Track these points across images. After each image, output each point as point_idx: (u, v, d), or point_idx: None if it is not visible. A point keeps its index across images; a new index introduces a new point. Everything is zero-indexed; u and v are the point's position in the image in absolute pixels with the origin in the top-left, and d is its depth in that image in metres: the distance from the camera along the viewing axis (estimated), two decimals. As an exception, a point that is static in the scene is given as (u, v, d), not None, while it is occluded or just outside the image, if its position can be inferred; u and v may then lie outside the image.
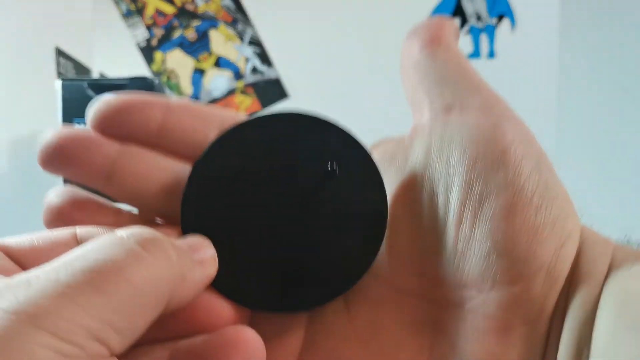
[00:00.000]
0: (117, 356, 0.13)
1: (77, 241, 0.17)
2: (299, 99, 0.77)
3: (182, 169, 0.18)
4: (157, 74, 0.77)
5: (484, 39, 0.76)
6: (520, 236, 0.16)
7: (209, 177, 0.18)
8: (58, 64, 0.50)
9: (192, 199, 0.17)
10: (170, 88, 0.78)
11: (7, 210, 0.55)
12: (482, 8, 0.76)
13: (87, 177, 0.17)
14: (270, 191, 0.18)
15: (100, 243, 0.14)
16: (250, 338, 0.16)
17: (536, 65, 0.76)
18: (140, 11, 0.77)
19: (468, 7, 0.76)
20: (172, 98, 0.50)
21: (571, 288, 0.16)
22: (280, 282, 0.17)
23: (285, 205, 0.18)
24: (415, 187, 0.18)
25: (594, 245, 0.17)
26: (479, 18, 0.76)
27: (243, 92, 0.78)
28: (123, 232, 0.15)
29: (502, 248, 0.16)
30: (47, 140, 0.17)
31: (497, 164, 0.16)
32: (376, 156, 0.18)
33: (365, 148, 0.18)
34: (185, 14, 0.77)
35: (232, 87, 0.78)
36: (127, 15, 0.77)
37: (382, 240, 0.18)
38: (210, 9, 0.77)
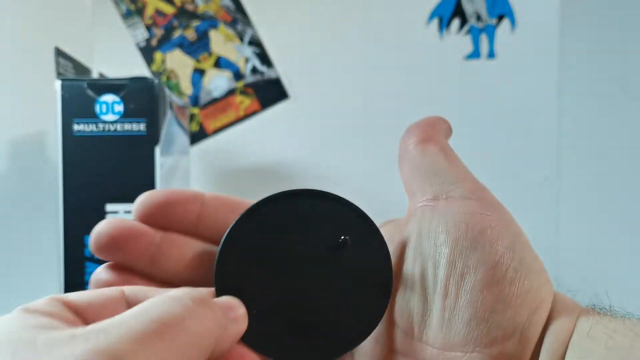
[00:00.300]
0: None
1: (125, 299, 0.20)
2: (299, 99, 0.77)
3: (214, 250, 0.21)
4: (157, 74, 0.77)
5: (484, 39, 0.76)
6: (497, 305, 0.19)
7: (237, 247, 0.21)
8: (58, 64, 0.50)
9: (224, 265, 0.21)
10: (170, 88, 0.78)
11: (7, 210, 0.55)
12: (482, 8, 0.76)
13: (135, 261, 0.21)
14: (290, 259, 0.21)
15: (161, 300, 0.18)
16: None
17: (536, 65, 0.76)
18: (139, 11, 0.77)
19: (468, 7, 0.76)
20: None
21: (543, 348, 0.19)
22: (299, 337, 0.21)
23: (303, 271, 0.21)
24: (408, 262, 0.21)
25: (563, 311, 0.20)
26: (479, 18, 0.76)
27: (243, 92, 0.78)
28: (178, 292, 0.18)
29: (481, 316, 0.19)
30: (99, 229, 0.21)
31: (475, 244, 0.20)
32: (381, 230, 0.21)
33: (373, 223, 0.22)
34: (185, 14, 0.77)
35: (232, 87, 0.78)
36: (126, 15, 0.77)
37: (388, 302, 0.21)
38: (210, 9, 0.77)
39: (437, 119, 0.25)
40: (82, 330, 0.16)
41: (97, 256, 0.22)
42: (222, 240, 0.21)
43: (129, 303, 0.20)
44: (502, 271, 0.19)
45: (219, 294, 0.20)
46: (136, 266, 0.21)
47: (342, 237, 0.21)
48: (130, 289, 0.20)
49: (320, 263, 0.21)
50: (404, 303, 0.21)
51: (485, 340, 0.19)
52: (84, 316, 0.18)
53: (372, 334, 0.21)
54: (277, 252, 0.21)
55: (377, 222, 0.23)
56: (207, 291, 0.20)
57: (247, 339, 0.20)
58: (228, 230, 0.21)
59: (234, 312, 0.20)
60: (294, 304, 0.21)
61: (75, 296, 0.19)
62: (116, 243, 0.21)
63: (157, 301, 0.18)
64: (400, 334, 0.21)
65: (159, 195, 0.22)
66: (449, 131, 0.25)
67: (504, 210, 0.22)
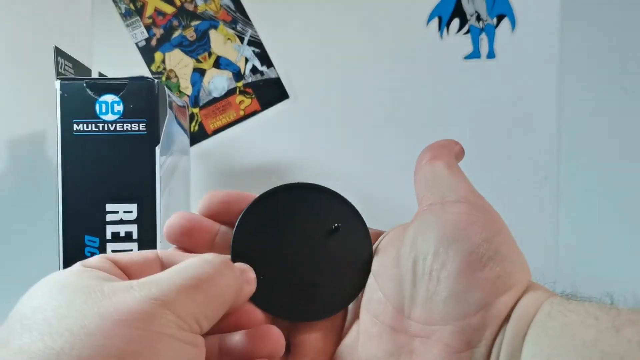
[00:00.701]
0: (202, 335, 0.22)
1: (160, 260, 0.25)
2: (299, 99, 0.77)
3: None
4: (157, 74, 0.77)
5: (483, 39, 0.76)
6: (469, 287, 0.23)
7: (249, 227, 0.26)
8: (57, 64, 0.50)
9: (238, 241, 0.26)
10: (170, 88, 0.78)
11: (7, 210, 0.55)
12: (482, 8, 0.76)
13: (198, 246, 0.27)
14: (292, 238, 0.26)
15: (197, 261, 0.23)
16: (275, 332, 0.25)
17: (536, 65, 0.76)
18: (139, 11, 0.77)
19: (468, 7, 0.76)
20: (174, 98, 0.49)
21: (507, 326, 0.22)
22: (297, 300, 0.26)
23: (302, 249, 0.26)
24: (405, 255, 0.25)
25: (533, 295, 0.23)
26: (479, 18, 0.76)
27: (243, 92, 0.78)
28: (209, 256, 0.24)
29: (455, 296, 0.23)
30: (172, 221, 0.27)
31: (457, 238, 0.24)
32: (391, 231, 0.28)
33: (360, 214, 0.28)
34: (184, 14, 0.77)
35: (232, 87, 0.78)
36: (126, 15, 0.77)
37: (368, 276, 0.26)
38: (210, 9, 0.77)
39: (449, 141, 0.32)
40: (137, 282, 0.21)
41: (169, 242, 0.27)
42: (237, 221, 0.26)
43: (163, 264, 0.25)
44: (477, 259, 0.23)
45: (234, 260, 0.26)
46: (198, 250, 0.27)
47: (336, 225, 0.27)
48: (163, 253, 0.26)
49: (316, 243, 0.26)
50: (397, 287, 0.25)
51: (457, 315, 0.23)
52: (128, 272, 0.23)
53: (367, 310, 0.26)
54: (280, 233, 0.26)
55: (377, 218, 0.29)
56: (229, 257, 0.25)
57: (254, 299, 0.25)
58: (242, 213, 0.26)
59: (247, 275, 0.25)
60: (293, 274, 0.26)
61: (120, 256, 0.24)
62: (185, 232, 0.27)
63: (194, 262, 0.23)
64: (394, 312, 0.25)
65: (220, 195, 0.27)
66: (460, 152, 0.32)
67: (491, 211, 0.26)
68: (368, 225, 0.28)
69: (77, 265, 0.22)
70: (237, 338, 0.25)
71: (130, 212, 0.43)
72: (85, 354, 0.18)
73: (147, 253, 0.25)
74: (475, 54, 0.76)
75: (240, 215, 0.26)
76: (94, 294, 0.20)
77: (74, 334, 0.18)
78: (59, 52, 0.49)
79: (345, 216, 0.27)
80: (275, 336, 0.25)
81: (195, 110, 0.78)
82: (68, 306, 0.19)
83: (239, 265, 0.25)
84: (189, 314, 0.21)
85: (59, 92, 0.42)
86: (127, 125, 0.43)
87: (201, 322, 0.21)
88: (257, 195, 0.27)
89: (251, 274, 0.25)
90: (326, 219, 0.27)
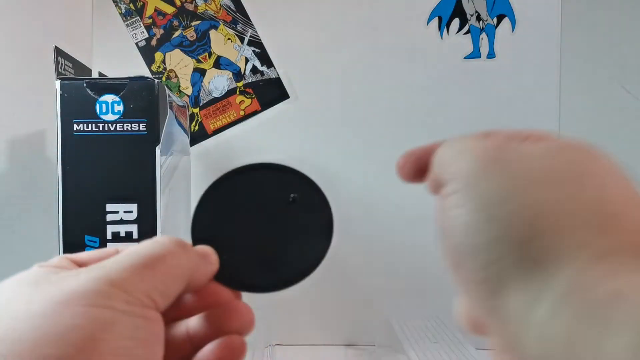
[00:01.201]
0: (161, 313, 0.22)
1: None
2: (299, 99, 0.77)
3: None
4: (157, 74, 0.77)
5: (484, 39, 0.76)
6: None
7: (207, 211, 0.27)
8: (57, 64, 0.50)
9: (197, 225, 0.27)
10: (170, 88, 0.78)
11: (7, 210, 0.55)
12: (482, 8, 0.76)
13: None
14: (251, 215, 0.27)
15: (148, 242, 0.23)
16: (243, 306, 0.25)
17: (536, 65, 0.76)
18: (139, 11, 0.77)
19: (468, 7, 0.76)
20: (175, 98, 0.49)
21: None
22: (262, 272, 0.26)
23: (263, 223, 0.27)
24: None
25: None
26: (479, 18, 0.76)
27: (243, 92, 0.77)
28: (160, 238, 0.24)
29: None
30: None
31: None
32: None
33: (314, 183, 0.28)
34: (185, 14, 0.77)
35: (232, 87, 0.78)
36: (126, 15, 0.77)
37: (331, 241, 0.27)
38: (210, 9, 0.77)
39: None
40: (85, 268, 0.22)
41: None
42: (195, 208, 0.27)
43: None
44: None
45: (194, 244, 0.26)
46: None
47: (292, 195, 0.27)
48: (122, 247, 0.25)
49: (275, 217, 0.27)
50: None
51: None
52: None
53: None
54: (238, 212, 0.27)
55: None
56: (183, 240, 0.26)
57: (221, 279, 0.26)
58: (200, 197, 0.27)
59: (205, 253, 0.26)
60: (256, 248, 0.27)
61: (79, 254, 0.25)
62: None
63: (144, 244, 0.23)
64: None
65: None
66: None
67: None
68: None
69: (35, 266, 0.23)
70: (205, 317, 0.25)
71: (130, 212, 0.43)
72: (27, 336, 0.18)
73: (107, 249, 0.26)
74: (475, 54, 0.76)
75: (197, 202, 0.27)
76: (42, 284, 0.21)
77: (18, 319, 0.19)
78: (59, 52, 0.49)
79: (301, 187, 0.28)
80: (244, 310, 0.25)
81: (196, 110, 0.78)
82: (16, 297, 0.20)
83: (198, 247, 0.26)
84: (137, 289, 0.21)
85: (59, 92, 0.42)
86: (127, 125, 0.43)
87: (154, 297, 0.22)
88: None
89: (210, 253, 0.26)
90: (282, 193, 0.27)
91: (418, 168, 0.26)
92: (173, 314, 0.25)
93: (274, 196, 0.27)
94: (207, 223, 0.27)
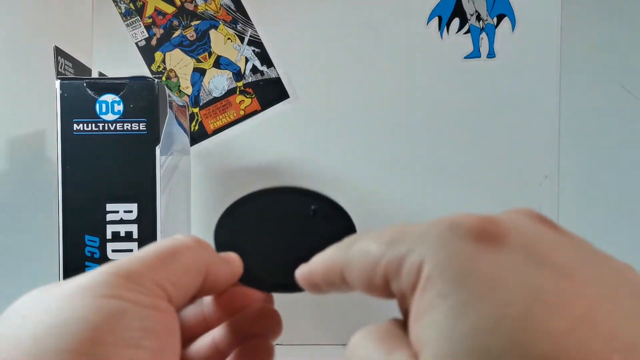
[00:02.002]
0: (175, 307, 0.22)
1: None
2: (299, 99, 0.77)
3: None
4: (157, 73, 0.77)
5: (484, 38, 0.76)
6: None
7: (229, 225, 0.28)
8: (57, 64, 0.50)
9: (220, 234, 0.28)
10: (170, 88, 0.78)
11: (7, 210, 0.55)
12: (482, 8, 0.76)
13: None
14: (276, 224, 0.28)
15: (165, 239, 0.24)
16: (272, 309, 0.26)
17: (536, 65, 0.76)
18: (139, 11, 0.77)
19: (468, 7, 0.76)
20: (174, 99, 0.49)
21: None
22: (286, 274, 0.26)
23: (286, 230, 0.28)
24: None
25: None
26: (479, 18, 0.76)
27: (243, 92, 0.77)
28: (179, 235, 0.24)
29: None
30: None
31: None
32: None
33: (335, 201, 0.28)
34: (184, 14, 0.77)
35: (232, 87, 0.78)
36: (126, 14, 0.77)
37: None
38: (210, 9, 0.77)
39: None
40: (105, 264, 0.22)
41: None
42: (221, 214, 0.28)
43: None
44: None
45: (218, 250, 0.27)
46: None
47: (313, 207, 0.28)
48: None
49: (297, 227, 0.28)
50: None
51: None
52: None
53: None
54: (264, 221, 0.28)
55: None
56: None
57: (246, 281, 0.27)
58: (225, 208, 0.28)
59: (229, 259, 0.26)
60: (280, 253, 0.27)
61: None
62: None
63: (163, 240, 0.24)
64: None
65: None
66: None
67: None
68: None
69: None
70: (231, 324, 0.25)
71: (130, 212, 0.43)
72: (29, 332, 0.18)
73: None
74: (475, 54, 0.76)
75: (222, 212, 0.28)
76: (58, 284, 0.21)
77: (25, 316, 0.19)
78: (59, 52, 0.49)
79: (321, 202, 0.29)
80: (272, 313, 0.26)
81: (196, 110, 0.78)
82: (30, 299, 0.20)
83: (222, 253, 0.26)
84: (147, 279, 0.21)
85: (59, 92, 0.42)
86: (127, 125, 0.43)
87: (165, 287, 0.21)
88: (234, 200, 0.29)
89: (234, 257, 0.26)
90: (303, 209, 0.28)
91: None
92: (199, 327, 0.25)
93: (296, 211, 0.28)
94: (230, 229, 0.28)
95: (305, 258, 0.27)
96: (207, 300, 0.27)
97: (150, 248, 0.22)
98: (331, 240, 0.27)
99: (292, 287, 0.27)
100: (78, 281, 0.20)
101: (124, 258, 0.22)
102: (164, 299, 0.21)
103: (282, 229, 0.28)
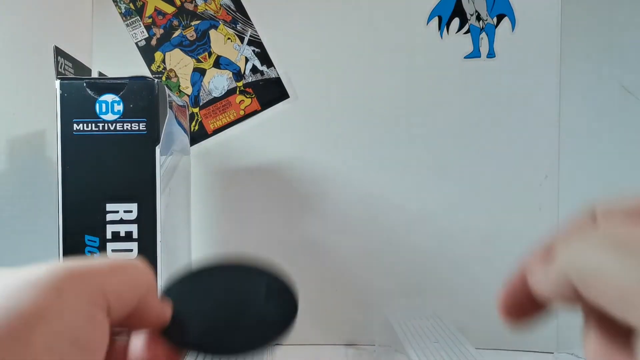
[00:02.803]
0: (110, 321, 0.21)
1: None
2: (299, 99, 0.77)
3: None
4: (157, 73, 0.77)
5: (484, 38, 0.76)
6: None
7: (184, 278, 0.28)
8: (57, 64, 0.50)
9: (169, 281, 0.27)
10: (170, 88, 0.78)
11: (7, 210, 0.55)
12: (482, 8, 0.76)
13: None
14: (225, 297, 0.27)
15: (117, 256, 0.27)
16: None
17: (536, 65, 0.76)
18: (139, 11, 0.77)
19: (468, 7, 0.76)
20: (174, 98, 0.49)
21: None
22: (211, 336, 0.26)
23: (231, 303, 0.27)
24: None
25: None
26: (479, 18, 0.76)
27: (243, 91, 0.77)
28: (132, 258, 0.27)
29: None
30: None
31: None
32: None
33: (285, 279, 0.27)
34: (184, 14, 0.77)
35: (232, 87, 0.78)
36: (126, 14, 0.77)
37: (289, 325, 0.26)
38: (210, 9, 0.77)
39: None
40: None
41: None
42: (170, 283, 0.27)
43: None
44: None
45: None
46: None
47: (264, 288, 0.27)
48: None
49: (239, 294, 0.27)
50: None
51: None
52: None
53: None
54: (209, 288, 0.27)
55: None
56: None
57: (168, 334, 0.25)
58: (169, 282, 0.27)
59: (163, 298, 0.26)
60: (212, 315, 0.26)
61: None
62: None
63: (117, 256, 0.25)
64: None
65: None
66: None
67: None
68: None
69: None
70: None
71: (130, 211, 0.43)
72: None
73: None
74: (475, 54, 0.76)
75: (170, 284, 0.28)
76: (11, 273, 0.20)
77: None
78: (59, 52, 0.49)
79: (274, 282, 0.28)
80: None
81: (195, 110, 0.78)
82: None
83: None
84: (94, 281, 0.21)
85: (59, 92, 0.42)
86: (127, 125, 0.43)
87: (108, 296, 0.21)
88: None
89: (166, 300, 0.26)
90: (255, 286, 0.28)
91: (518, 303, 0.22)
92: None
93: (247, 289, 0.28)
94: (177, 295, 0.27)
95: (233, 325, 0.26)
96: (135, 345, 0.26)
97: (102, 258, 0.23)
98: (265, 317, 0.26)
99: (209, 349, 0.26)
100: (27, 272, 0.20)
101: (77, 259, 0.22)
102: (102, 309, 0.21)
103: (227, 301, 0.27)
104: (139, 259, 0.25)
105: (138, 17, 0.77)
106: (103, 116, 0.43)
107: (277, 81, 0.77)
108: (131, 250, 0.43)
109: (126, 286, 0.23)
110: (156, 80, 0.43)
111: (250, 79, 0.78)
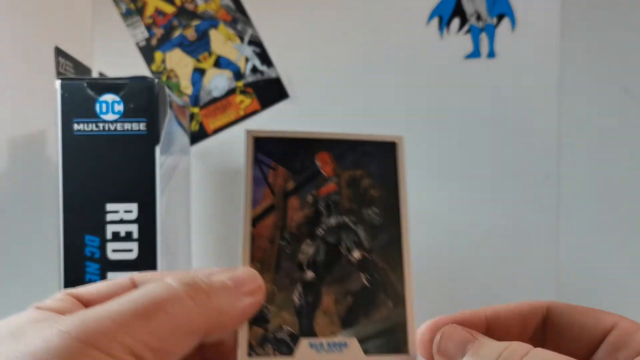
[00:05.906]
0: None
1: (135, 285, 0.20)
2: (299, 99, 0.77)
3: None
4: (157, 73, 0.77)
5: (484, 38, 0.76)
6: None
7: None
8: (58, 64, 0.50)
9: None
10: (170, 88, 0.77)
11: (7, 210, 0.55)
12: (482, 8, 0.76)
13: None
14: None
15: (153, 284, 0.18)
16: None
17: (536, 65, 0.76)
18: (139, 11, 0.77)
19: (468, 7, 0.76)
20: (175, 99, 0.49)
21: None
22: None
23: None
24: None
25: None
26: (479, 18, 0.76)
27: (243, 91, 0.77)
28: (170, 279, 0.18)
29: None
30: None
31: None
32: None
33: None
34: (185, 14, 0.77)
35: (232, 87, 0.78)
36: (126, 14, 0.77)
37: None
38: (210, 9, 0.77)
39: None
40: (66, 316, 0.17)
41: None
42: None
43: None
44: None
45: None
46: None
47: None
48: (140, 275, 0.21)
49: None
50: None
51: None
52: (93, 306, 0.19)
53: None
54: None
55: None
56: (201, 279, 0.19)
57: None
58: None
59: (247, 285, 0.20)
60: None
61: (85, 289, 0.20)
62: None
63: (149, 286, 0.18)
64: None
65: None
66: None
67: None
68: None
69: (30, 308, 0.19)
70: None
71: (130, 211, 0.43)
72: None
73: (120, 280, 0.21)
74: (475, 54, 0.76)
75: None
76: (17, 337, 0.17)
77: None
78: (59, 52, 0.49)
79: None
80: None
81: (196, 109, 0.78)
82: None
83: (235, 275, 0.20)
84: (118, 344, 0.16)
85: (59, 92, 0.42)
86: (127, 125, 0.43)
87: (142, 355, 0.17)
88: None
89: (257, 282, 0.20)
90: None
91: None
92: None
93: None
94: None
95: None
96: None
97: (125, 300, 0.17)
98: None
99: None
100: (37, 343, 0.16)
101: (96, 310, 0.17)
102: None
103: None
104: (180, 276, 0.19)
105: (138, 17, 0.77)
106: (103, 116, 0.43)
107: (277, 81, 0.77)
108: (131, 251, 0.43)
109: (165, 337, 0.17)
110: (156, 80, 0.43)
111: (250, 79, 0.78)
